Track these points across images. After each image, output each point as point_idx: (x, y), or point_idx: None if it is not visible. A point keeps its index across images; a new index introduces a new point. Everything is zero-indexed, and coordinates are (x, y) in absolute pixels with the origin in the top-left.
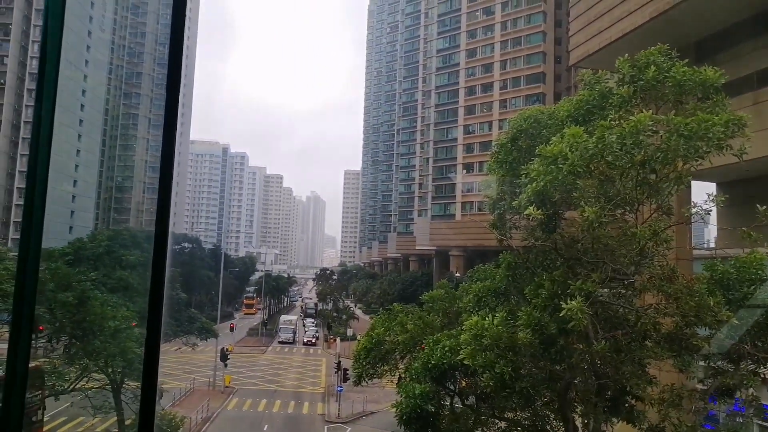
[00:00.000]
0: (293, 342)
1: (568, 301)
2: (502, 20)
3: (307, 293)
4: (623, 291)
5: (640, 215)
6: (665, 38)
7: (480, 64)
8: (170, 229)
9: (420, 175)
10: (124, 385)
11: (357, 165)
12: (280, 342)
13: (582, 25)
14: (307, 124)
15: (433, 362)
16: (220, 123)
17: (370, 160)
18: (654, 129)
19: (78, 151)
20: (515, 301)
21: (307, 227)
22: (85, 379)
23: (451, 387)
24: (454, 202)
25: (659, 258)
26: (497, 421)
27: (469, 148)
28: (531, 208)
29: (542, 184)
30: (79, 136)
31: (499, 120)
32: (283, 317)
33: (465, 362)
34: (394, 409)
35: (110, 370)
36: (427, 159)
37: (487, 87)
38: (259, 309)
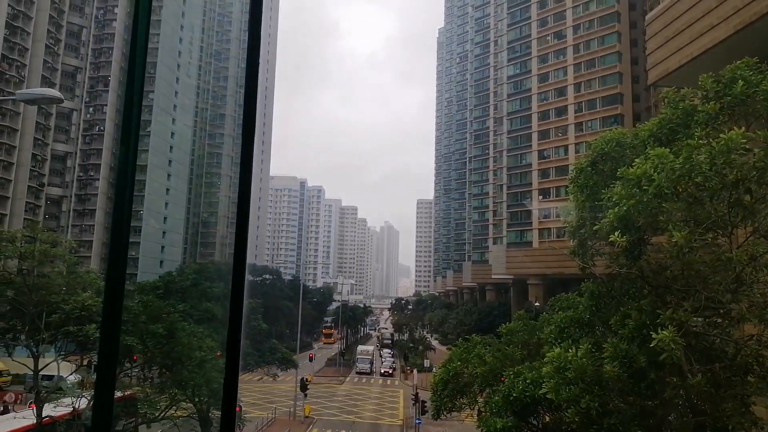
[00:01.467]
0: (371, 372)
1: (659, 332)
2: (574, 43)
3: (383, 323)
4: (719, 321)
5: (734, 239)
6: (752, 52)
7: (553, 88)
8: (249, 261)
9: (494, 203)
10: (209, 414)
11: (430, 194)
12: (357, 372)
13: (660, 42)
14: (380, 156)
15: (514, 395)
16: (298, 159)
17: (442, 188)
18: (747, 147)
19: (167, 189)
20: (600, 332)
21: (381, 257)
22: (174, 407)
23: (534, 422)
24: (531, 229)
25: (759, 285)
26: None
27: (544, 174)
28: (615, 234)
29: (625, 208)
30: (169, 175)
31: (575, 143)
32: (360, 347)
33: (548, 396)
34: None
35: (197, 400)
36: (501, 186)
37: (561, 111)
38: (338, 339)
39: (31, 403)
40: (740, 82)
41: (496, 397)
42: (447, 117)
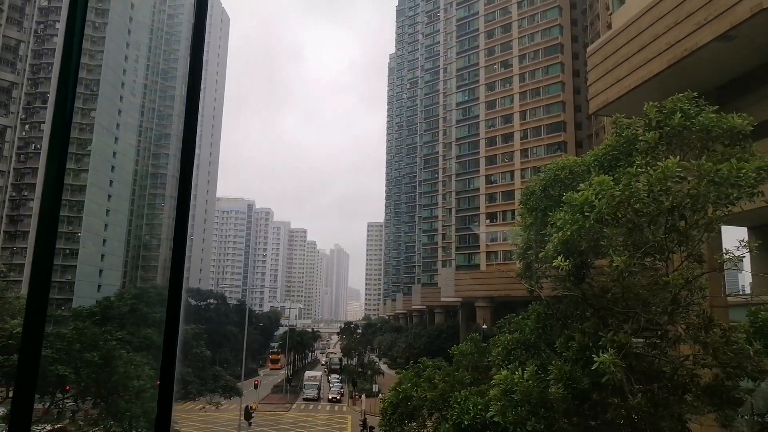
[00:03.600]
0: (318, 399)
1: (600, 354)
2: (520, 72)
3: (332, 348)
4: (658, 342)
5: (671, 263)
6: (685, 84)
7: (500, 115)
8: (193, 285)
9: (443, 226)
10: None
11: (380, 218)
12: (304, 399)
13: (600, 74)
14: (336, 179)
15: (466, 422)
16: (252, 181)
17: (392, 212)
18: (682, 175)
19: (107, 210)
20: (546, 354)
21: (331, 280)
22: None
23: None
24: (479, 252)
25: (694, 307)
26: None
27: (491, 198)
28: (559, 258)
29: (569, 233)
30: (109, 196)
31: (521, 169)
32: (307, 373)
33: (495, 419)
34: None
35: None
36: (450, 209)
37: (508, 137)
38: (285, 365)
39: None
40: (678, 114)
41: (447, 425)
42: (398, 141)
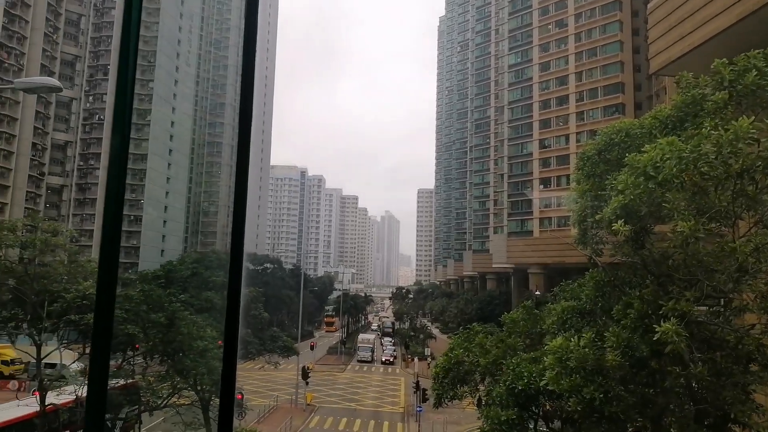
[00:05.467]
0: (371, 361)
1: (662, 323)
2: (576, 32)
3: (384, 312)
4: (721, 310)
5: (737, 229)
6: (755, 40)
7: (554, 77)
8: (250, 251)
9: (495, 192)
10: (211, 403)
11: (430, 184)
12: (358, 360)
13: (662, 31)
14: (381, 146)
15: (519, 387)
16: (298, 149)
17: (443, 178)
18: (754, 137)
19: (168, 179)
20: (602, 321)
21: (382, 247)
22: (177, 395)
23: (535, 410)
24: (532, 218)
25: (762, 275)
26: None
27: (545, 163)
28: (618, 223)
29: (630, 197)
30: (169, 164)
31: (577, 133)
32: (361, 336)
33: (549, 387)
34: None
35: (199, 388)
36: (502, 175)
37: (563, 100)
38: (339, 327)
39: (34, 390)
40: (753, 72)
41: (499, 389)
42: (448, 106)
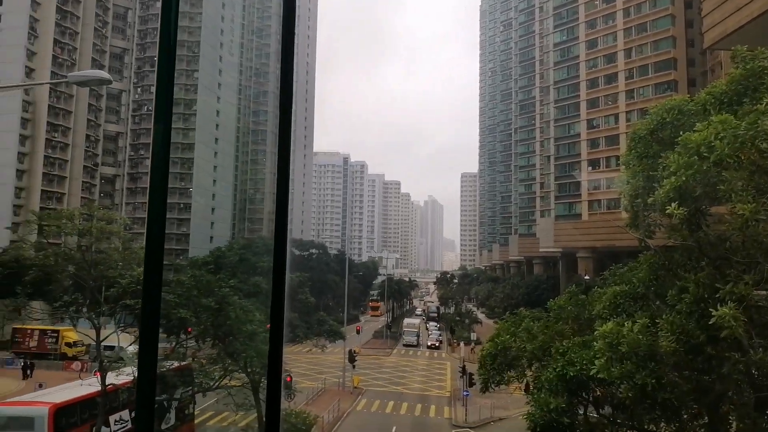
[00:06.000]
0: (417, 345)
1: (719, 307)
2: (624, 7)
3: (429, 297)
4: None
5: None
6: None
7: (602, 54)
8: (295, 236)
9: (541, 174)
10: (261, 385)
11: (474, 168)
12: (404, 345)
13: (717, 3)
14: (423, 131)
15: (570, 374)
16: (340, 134)
17: (487, 161)
18: None
19: (215, 167)
20: (656, 306)
21: (426, 231)
22: (228, 377)
23: (585, 396)
24: (580, 201)
25: None
26: None
27: (593, 143)
28: (672, 205)
29: (683, 178)
30: (215, 153)
31: (626, 111)
32: (406, 320)
33: (599, 376)
34: (524, 418)
35: (249, 370)
36: (548, 157)
37: (611, 78)
38: (384, 312)
39: (95, 371)
40: None
41: (548, 374)
42: (491, 87)
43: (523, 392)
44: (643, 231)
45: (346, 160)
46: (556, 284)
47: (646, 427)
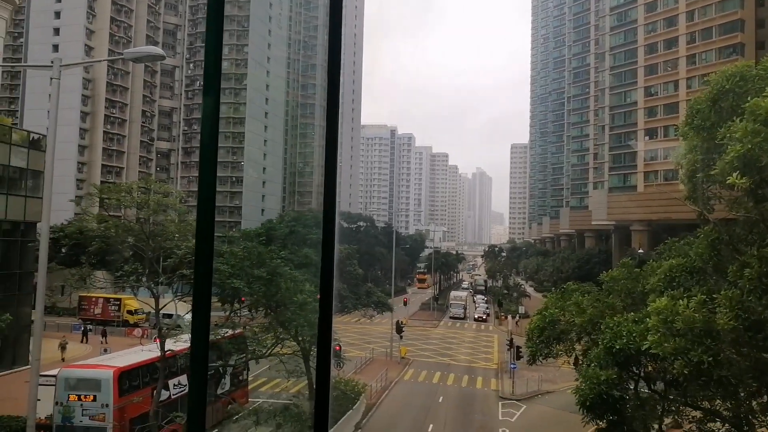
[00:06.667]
0: (464, 318)
1: None
2: None
3: (476, 270)
4: None
5: None
6: None
7: (662, 17)
8: (344, 209)
9: (594, 145)
10: (311, 353)
11: (524, 138)
12: (451, 317)
13: None
14: (472, 102)
15: (618, 347)
16: (388, 105)
17: (538, 132)
18: None
19: (265, 141)
20: (714, 281)
21: (473, 204)
22: (279, 345)
23: (636, 371)
24: (636, 172)
25: None
26: (691, 409)
27: (651, 112)
28: (734, 175)
29: (749, 145)
30: (265, 127)
31: (687, 78)
32: (453, 293)
33: (652, 351)
34: (573, 392)
35: (300, 339)
36: (603, 127)
37: (672, 42)
38: (431, 284)
39: (155, 338)
40: None
41: (598, 349)
42: (543, 55)
43: (572, 366)
44: (702, 203)
45: (393, 132)
46: (609, 258)
47: (700, 403)
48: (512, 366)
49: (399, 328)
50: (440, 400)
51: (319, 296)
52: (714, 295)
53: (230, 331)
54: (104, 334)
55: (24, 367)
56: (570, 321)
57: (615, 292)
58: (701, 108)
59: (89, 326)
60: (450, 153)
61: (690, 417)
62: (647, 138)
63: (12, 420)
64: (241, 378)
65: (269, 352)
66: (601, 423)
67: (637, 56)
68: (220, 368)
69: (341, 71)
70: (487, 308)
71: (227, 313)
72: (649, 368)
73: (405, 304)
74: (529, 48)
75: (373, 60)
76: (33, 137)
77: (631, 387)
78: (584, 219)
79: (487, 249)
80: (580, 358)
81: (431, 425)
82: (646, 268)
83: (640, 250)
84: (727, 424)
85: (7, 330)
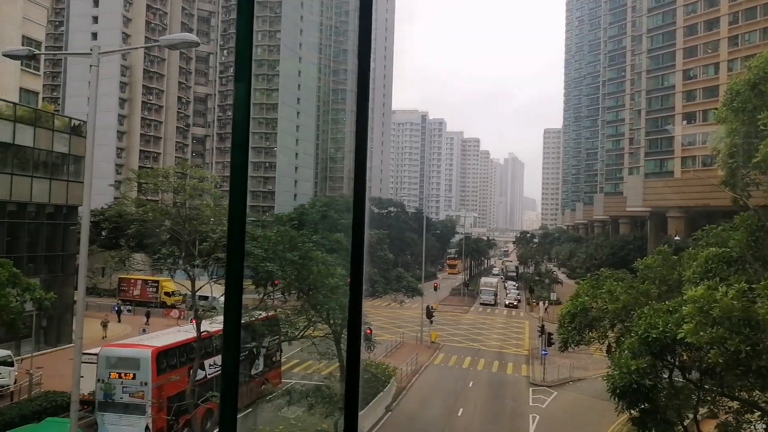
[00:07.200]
0: (495, 304)
1: None
2: None
3: (508, 256)
4: None
5: None
6: None
7: None
8: (374, 195)
9: (630, 130)
10: (342, 336)
11: (557, 123)
12: (481, 303)
13: None
14: (504, 85)
15: (653, 336)
16: (419, 90)
17: (572, 116)
18: None
19: (297, 127)
20: (753, 269)
21: (505, 190)
22: (312, 328)
23: (670, 360)
24: (673, 158)
25: None
26: (727, 400)
27: (689, 96)
28: None
29: None
30: (298, 113)
31: (728, 60)
32: (484, 279)
33: (687, 341)
34: (604, 378)
35: (331, 322)
36: (639, 111)
37: (712, 23)
38: (461, 270)
39: (191, 319)
40: None
41: (631, 338)
42: (578, 38)
43: (605, 354)
44: (741, 190)
45: (424, 117)
46: (644, 245)
47: (738, 394)
48: (543, 353)
49: (429, 313)
50: (470, 385)
51: (349, 280)
52: (753, 285)
53: (264, 314)
54: (148, 315)
55: (67, 345)
56: (603, 308)
57: (650, 279)
58: (741, 90)
59: (128, 307)
60: (482, 138)
61: (726, 407)
62: (685, 122)
63: (58, 395)
64: (274, 359)
65: (301, 334)
66: (634, 411)
67: (675, 38)
68: (254, 349)
69: (372, 56)
70: (518, 294)
71: (261, 296)
72: (684, 357)
73: (435, 289)
74: (563, 31)
75: (404, 45)
76: (74, 123)
77: (665, 376)
78: (619, 205)
79: (519, 235)
80: (613, 345)
81: (461, 409)
82: (683, 255)
83: (677, 237)
84: (766, 417)
85: (52, 309)
